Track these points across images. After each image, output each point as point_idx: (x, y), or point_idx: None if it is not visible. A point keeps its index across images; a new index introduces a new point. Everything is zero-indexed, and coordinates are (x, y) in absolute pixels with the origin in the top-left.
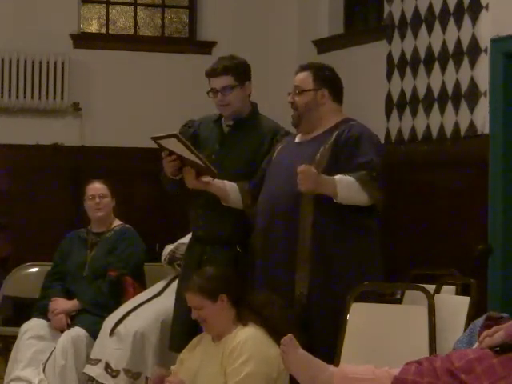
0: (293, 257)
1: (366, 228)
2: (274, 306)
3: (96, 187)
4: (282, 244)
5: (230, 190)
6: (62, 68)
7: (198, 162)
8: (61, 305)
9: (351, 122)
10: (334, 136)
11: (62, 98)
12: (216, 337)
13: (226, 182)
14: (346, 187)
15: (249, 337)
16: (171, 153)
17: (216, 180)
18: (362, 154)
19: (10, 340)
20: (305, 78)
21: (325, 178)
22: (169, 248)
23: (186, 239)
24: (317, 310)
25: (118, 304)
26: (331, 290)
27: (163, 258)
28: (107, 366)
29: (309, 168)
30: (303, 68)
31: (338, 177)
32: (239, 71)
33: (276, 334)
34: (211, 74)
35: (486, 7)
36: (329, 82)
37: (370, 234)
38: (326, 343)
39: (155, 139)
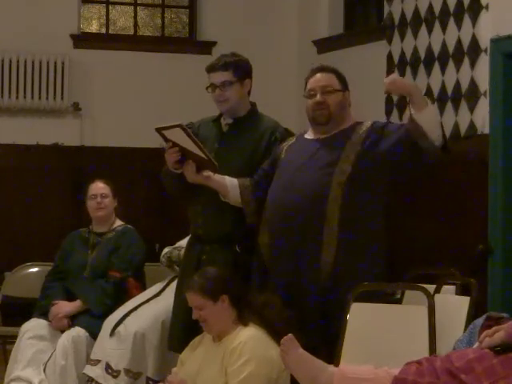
0: (316, 260)
1: (377, 231)
2: (275, 307)
3: (98, 187)
4: (306, 242)
5: (229, 185)
6: (62, 68)
7: (201, 154)
8: (63, 308)
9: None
10: (359, 136)
11: (61, 98)
12: (216, 337)
13: (226, 177)
14: (434, 114)
15: (250, 337)
16: (174, 144)
17: (216, 175)
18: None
19: (10, 340)
20: (332, 79)
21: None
22: (164, 251)
23: (185, 242)
24: (336, 304)
25: (121, 305)
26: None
27: (161, 261)
28: (108, 367)
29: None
30: (325, 69)
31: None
32: (239, 68)
33: (276, 334)
34: (211, 69)
35: (486, 7)
36: (347, 85)
37: (378, 237)
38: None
39: (159, 130)
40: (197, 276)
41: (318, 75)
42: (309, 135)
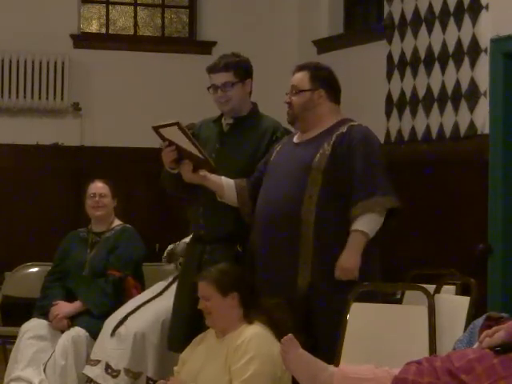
0: (295, 257)
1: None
2: (279, 309)
3: (97, 186)
4: (284, 245)
5: (226, 185)
6: (62, 68)
7: (198, 153)
8: (62, 308)
9: (350, 122)
10: (333, 138)
11: (61, 98)
12: (219, 332)
13: (222, 177)
14: (367, 223)
15: (254, 335)
16: (171, 143)
17: (213, 175)
18: (360, 160)
19: (10, 340)
20: (302, 78)
21: (352, 247)
22: (169, 247)
23: (189, 239)
24: (318, 309)
25: (120, 305)
26: (333, 289)
27: (163, 257)
28: (107, 367)
29: (341, 268)
30: (300, 68)
31: (355, 226)
32: (240, 68)
33: (280, 335)
34: (212, 69)
35: (486, 7)
36: (326, 81)
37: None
38: (326, 342)
39: (156, 128)
40: (213, 268)
41: (296, 74)
42: (296, 138)
